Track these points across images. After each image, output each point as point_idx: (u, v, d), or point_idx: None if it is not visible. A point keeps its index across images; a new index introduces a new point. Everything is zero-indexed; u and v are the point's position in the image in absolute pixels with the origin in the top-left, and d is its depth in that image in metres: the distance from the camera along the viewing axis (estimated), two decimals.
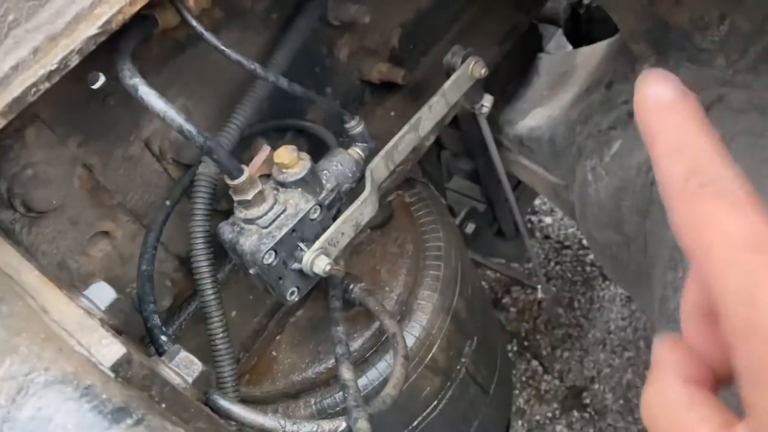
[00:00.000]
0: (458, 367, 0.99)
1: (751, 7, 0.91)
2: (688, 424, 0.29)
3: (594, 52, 1.33)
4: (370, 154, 0.82)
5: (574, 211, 1.37)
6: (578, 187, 1.24)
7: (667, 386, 0.31)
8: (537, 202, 2.38)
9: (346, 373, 0.69)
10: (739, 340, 0.27)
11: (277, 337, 0.93)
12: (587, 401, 1.94)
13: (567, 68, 1.37)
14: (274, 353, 0.91)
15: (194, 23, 0.67)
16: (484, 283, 2.26)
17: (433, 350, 0.93)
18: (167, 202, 0.79)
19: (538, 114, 1.35)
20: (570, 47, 1.53)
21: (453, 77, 0.84)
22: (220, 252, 0.83)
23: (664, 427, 0.30)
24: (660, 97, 0.29)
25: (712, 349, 0.31)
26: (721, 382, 0.31)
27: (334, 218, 0.76)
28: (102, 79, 0.73)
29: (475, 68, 0.86)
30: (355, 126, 0.82)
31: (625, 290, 1.92)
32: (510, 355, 2.08)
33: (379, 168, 0.79)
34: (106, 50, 0.65)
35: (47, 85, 0.57)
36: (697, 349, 0.32)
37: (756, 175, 0.88)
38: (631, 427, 1.83)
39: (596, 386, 1.94)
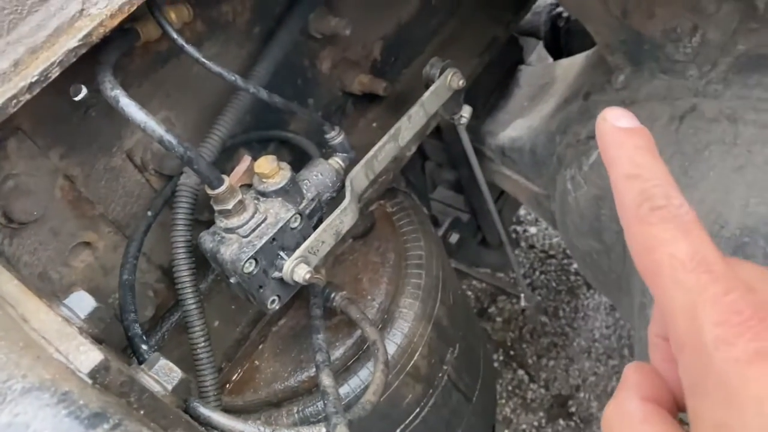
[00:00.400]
0: (440, 375, 1.00)
1: (722, 20, 0.93)
2: None
3: (573, 64, 1.35)
4: (351, 164, 0.83)
5: (555, 220, 1.39)
6: (558, 196, 1.26)
7: (626, 401, 0.33)
8: (522, 212, 2.40)
9: (326, 379, 0.70)
10: (681, 352, 0.29)
11: (260, 347, 0.93)
12: (573, 409, 1.95)
13: (547, 80, 1.39)
14: (256, 362, 0.92)
15: (175, 36, 0.68)
16: (470, 293, 2.27)
17: (415, 357, 0.94)
18: (149, 213, 0.79)
19: (519, 125, 1.37)
20: (550, 59, 1.56)
21: (431, 88, 0.86)
22: (203, 263, 0.83)
23: None
24: (618, 123, 0.33)
25: (674, 375, 0.33)
26: (681, 409, 0.33)
27: (315, 227, 0.77)
28: (84, 92, 0.73)
29: (452, 79, 0.87)
30: (336, 136, 0.84)
31: (607, 298, 1.94)
32: (496, 364, 2.09)
33: (359, 177, 0.80)
34: (88, 63, 0.66)
35: (28, 96, 0.58)
36: (661, 375, 0.35)
37: (727, 182, 0.90)
38: None
39: (582, 394, 1.96)
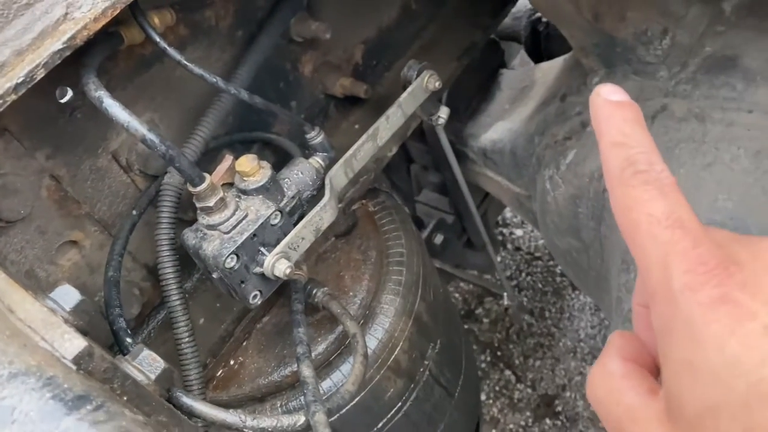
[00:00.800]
0: (422, 369, 1.02)
1: (690, 23, 0.97)
2: (621, 390, 0.34)
3: (551, 68, 1.39)
4: (331, 164, 0.85)
5: (536, 220, 1.42)
6: (538, 196, 1.29)
7: (608, 362, 0.36)
8: (508, 214, 2.43)
9: (305, 370, 0.72)
10: (653, 300, 0.32)
11: (244, 343, 0.95)
12: (559, 409, 1.98)
13: (527, 83, 1.42)
14: (240, 358, 0.94)
15: (157, 39, 0.71)
16: (457, 295, 2.30)
17: (396, 352, 0.96)
18: (134, 212, 0.81)
19: (500, 127, 1.40)
20: (532, 64, 1.59)
21: (408, 89, 0.89)
22: (188, 263, 0.86)
23: (602, 394, 0.35)
24: (610, 97, 0.36)
25: (654, 341, 0.35)
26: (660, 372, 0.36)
27: (296, 224, 0.80)
28: (70, 94, 0.76)
29: (429, 81, 0.90)
30: (316, 136, 0.86)
31: (589, 296, 1.96)
32: (483, 365, 2.11)
33: (339, 175, 0.83)
34: (74, 66, 0.69)
35: (14, 97, 0.60)
36: (642, 341, 0.37)
37: (697, 179, 0.93)
38: None
39: (568, 394, 1.98)
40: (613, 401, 0.34)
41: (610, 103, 0.35)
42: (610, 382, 0.34)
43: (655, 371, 0.35)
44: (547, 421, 1.95)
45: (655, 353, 0.35)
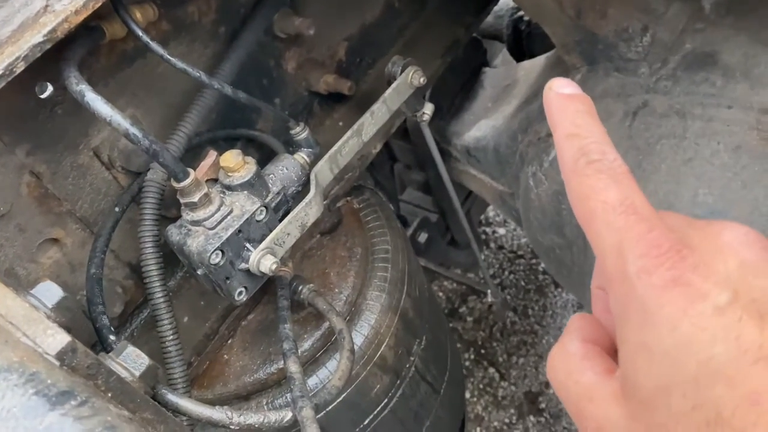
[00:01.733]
0: (408, 366, 1.02)
1: (670, 20, 0.98)
2: (579, 370, 0.34)
3: (534, 66, 1.40)
4: (316, 159, 0.85)
5: (520, 218, 1.42)
6: (522, 193, 1.30)
7: (568, 343, 0.36)
8: (491, 213, 2.44)
9: (292, 366, 0.72)
10: (610, 286, 0.32)
11: (229, 341, 0.95)
12: (543, 406, 1.99)
13: (509, 81, 1.43)
14: (225, 356, 0.93)
15: (140, 33, 0.70)
16: (441, 293, 2.30)
17: (382, 348, 0.96)
18: (116, 209, 0.80)
19: (483, 125, 1.41)
20: (514, 62, 1.60)
21: (393, 85, 0.89)
22: (171, 261, 0.85)
23: (561, 375, 0.36)
24: (562, 90, 0.36)
25: (613, 323, 0.36)
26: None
27: (281, 220, 0.79)
28: (50, 89, 0.75)
29: (414, 77, 0.90)
30: (300, 132, 0.86)
31: (571, 293, 1.98)
32: (467, 363, 2.12)
33: (324, 171, 0.82)
34: (54, 60, 0.68)
35: None
36: (601, 323, 0.38)
37: (678, 173, 0.94)
38: None
39: (551, 391, 1.99)
40: (571, 381, 0.34)
41: (562, 96, 0.36)
42: (569, 362, 0.35)
43: (613, 352, 0.36)
44: (531, 418, 1.96)
45: (613, 335, 0.36)
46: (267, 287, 0.89)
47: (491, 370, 2.09)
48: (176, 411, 0.65)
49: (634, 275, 0.30)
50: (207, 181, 0.76)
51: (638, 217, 0.31)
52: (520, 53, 1.56)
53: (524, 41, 1.53)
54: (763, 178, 0.87)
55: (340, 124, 1.10)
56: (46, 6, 0.61)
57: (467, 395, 2.05)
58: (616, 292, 0.31)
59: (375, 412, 0.98)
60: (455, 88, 1.47)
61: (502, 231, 2.41)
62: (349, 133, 0.84)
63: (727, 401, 0.26)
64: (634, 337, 0.30)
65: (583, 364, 0.34)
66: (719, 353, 0.27)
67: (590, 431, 0.32)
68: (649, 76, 1.01)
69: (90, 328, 0.77)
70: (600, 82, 1.07)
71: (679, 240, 0.30)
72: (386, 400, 0.99)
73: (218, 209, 0.73)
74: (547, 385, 2.00)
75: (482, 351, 2.14)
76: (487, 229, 2.40)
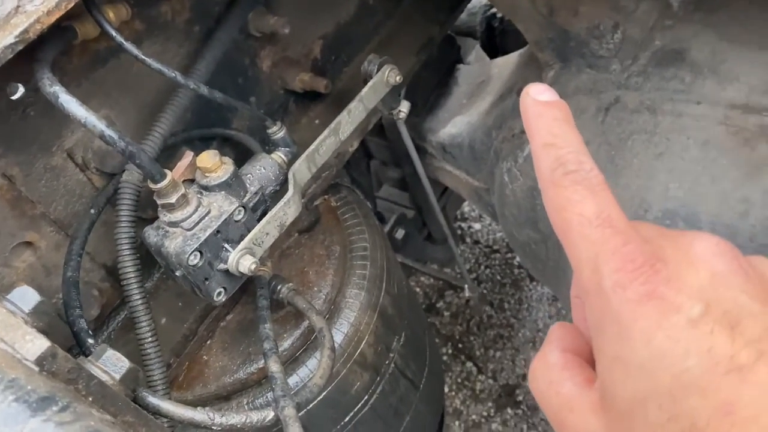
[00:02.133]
0: (387, 362, 1.03)
1: (640, 18, 1.00)
2: (559, 381, 0.35)
3: (507, 62, 1.41)
4: (293, 158, 0.85)
5: (495, 213, 1.44)
6: (497, 189, 1.31)
7: (548, 353, 0.37)
8: (466, 209, 2.46)
9: (273, 365, 0.72)
10: (586, 298, 0.33)
11: (208, 342, 0.94)
12: (520, 398, 2.01)
13: (483, 78, 1.44)
14: (205, 357, 0.93)
15: (113, 33, 0.69)
16: (418, 289, 2.31)
17: (362, 346, 0.96)
18: (92, 211, 0.80)
19: (458, 121, 1.42)
20: (487, 59, 1.62)
21: (370, 83, 0.89)
22: (148, 262, 0.84)
23: (543, 386, 0.36)
24: (539, 97, 0.36)
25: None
26: None
27: (259, 220, 0.79)
28: (21, 90, 0.73)
29: (390, 75, 0.91)
30: (277, 131, 0.86)
31: (547, 287, 2.00)
32: (445, 357, 2.13)
33: (302, 170, 0.82)
34: (26, 62, 0.67)
35: None
36: (581, 331, 0.38)
37: (649, 168, 0.96)
38: None
39: (528, 383, 2.02)
40: (552, 392, 0.35)
41: (539, 103, 0.36)
42: (549, 373, 0.35)
43: (592, 360, 0.36)
44: (509, 410, 1.98)
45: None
46: (246, 287, 0.88)
47: (469, 364, 2.11)
48: (157, 413, 0.65)
49: (610, 289, 0.30)
50: (184, 181, 0.76)
51: (613, 230, 0.31)
52: (494, 50, 1.57)
53: (497, 38, 1.54)
54: (731, 172, 0.89)
55: (317, 122, 1.10)
56: (18, 6, 0.60)
57: (446, 390, 2.07)
58: (592, 305, 0.32)
59: (355, 409, 0.98)
60: (430, 86, 1.48)
61: (477, 226, 2.43)
62: (326, 131, 0.84)
63: (701, 412, 0.27)
64: (610, 349, 0.30)
65: (563, 375, 0.35)
66: (693, 365, 0.27)
67: None
68: (620, 72, 1.03)
69: (67, 331, 0.76)
70: (573, 78, 1.08)
71: (652, 253, 0.31)
72: (366, 397, 1.00)
73: (196, 210, 0.73)
74: (524, 377, 2.02)
75: (460, 345, 2.15)
76: (463, 225, 2.42)
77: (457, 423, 2.02)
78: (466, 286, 1.66)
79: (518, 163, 1.20)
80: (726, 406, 0.26)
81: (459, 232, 2.40)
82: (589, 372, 0.35)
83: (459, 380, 2.09)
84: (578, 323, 0.39)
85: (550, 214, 0.34)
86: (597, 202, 0.32)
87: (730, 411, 0.26)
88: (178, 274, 0.76)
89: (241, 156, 0.97)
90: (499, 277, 2.27)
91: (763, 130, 0.88)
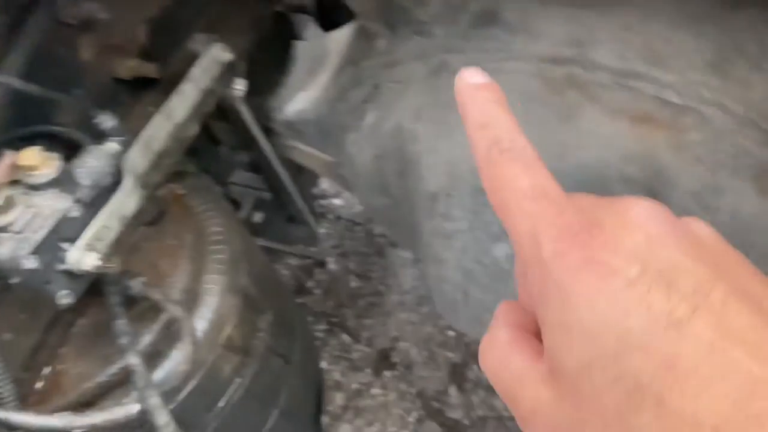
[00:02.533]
0: (256, 342, 1.03)
1: None
2: (508, 356, 0.35)
3: (343, 35, 1.43)
4: (127, 148, 0.82)
5: (348, 185, 1.47)
6: (346, 160, 1.34)
7: (496, 330, 0.37)
8: (326, 186, 2.49)
9: (132, 359, 0.70)
10: (528, 271, 0.33)
11: (61, 350, 0.89)
12: (395, 359, 2.09)
13: (321, 52, 1.46)
14: (60, 367, 0.88)
15: None
16: (287, 271, 2.32)
17: (227, 329, 0.96)
18: None
19: (301, 98, 1.43)
20: (323, 33, 1.63)
21: (198, 62, 0.88)
22: None
23: (492, 363, 0.36)
24: (471, 80, 0.37)
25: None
26: None
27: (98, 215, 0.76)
28: None
29: (218, 53, 0.90)
30: (106, 121, 0.82)
31: (407, 249, 2.09)
32: (321, 334, 2.16)
33: (136, 159, 0.80)
34: None
35: None
36: (526, 309, 0.38)
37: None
38: (435, 373, 2.01)
39: (401, 344, 2.10)
40: (502, 368, 0.35)
41: (471, 86, 0.37)
42: (498, 350, 0.36)
43: (539, 335, 0.36)
44: (386, 373, 2.06)
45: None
46: (96, 288, 0.85)
47: (344, 336, 2.16)
48: (10, 428, 0.61)
49: (549, 259, 0.31)
50: (8, 184, 0.71)
51: (549, 201, 0.32)
52: (328, 24, 1.59)
53: (329, 12, 1.56)
54: (548, 119, 0.98)
55: (150, 109, 1.06)
56: None
57: (324, 365, 2.10)
58: (533, 277, 0.32)
59: (229, 393, 0.98)
60: (268, 64, 1.47)
61: (338, 201, 2.47)
62: (158, 116, 0.82)
63: (645, 369, 0.27)
64: (554, 318, 0.31)
65: (512, 350, 0.35)
66: (633, 325, 0.28)
67: (525, 414, 0.33)
68: (444, 37, 1.09)
69: None
70: (401, 45, 1.13)
71: (589, 221, 0.31)
72: (239, 379, 1.00)
73: (24, 211, 0.69)
74: (396, 339, 2.10)
75: (334, 319, 2.19)
76: (324, 202, 2.45)
77: (338, 395, 2.06)
78: (327, 258, 1.69)
79: (362, 133, 1.23)
80: (667, 360, 0.27)
81: (320, 210, 2.43)
82: (537, 345, 0.35)
83: (336, 353, 2.13)
84: (523, 300, 0.39)
85: (489, 194, 0.35)
86: (531, 175, 0.33)
87: (671, 365, 0.27)
88: (15, 282, 0.71)
89: (73, 152, 0.92)
90: (364, 249, 2.33)
91: (569, 78, 0.97)
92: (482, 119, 0.36)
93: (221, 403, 0.97)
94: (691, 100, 0.96)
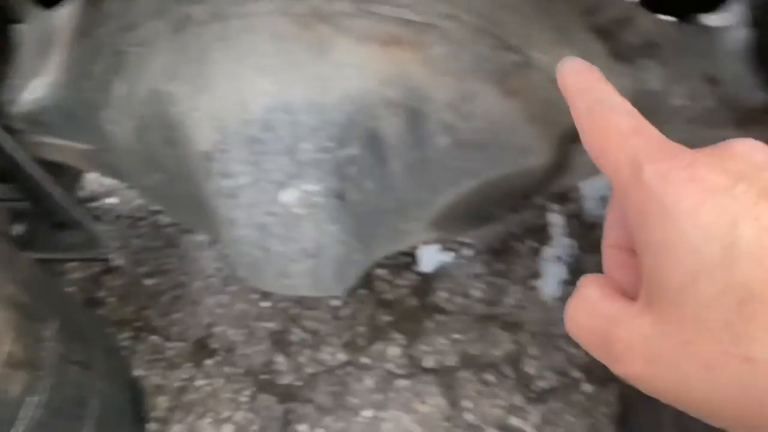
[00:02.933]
0: (44, 354, 0.92)
1: None
2: (600, 307, 0.34)
3: (69, 8, 1.30)
4: None
5: (116, 172, 1.36)
6: (106, 142, 1.23)
7: (584, 290, 0.36)
8: (94, 187, 2.29)
9: None
10: (626, 199, 0.33)
11: None
12: (215, 346, 2.02)
13: (48, 31, 1.31)
14: None
15: None
16: (72, 287, 2.10)
17: (5, 345, 0.84)
18: None
19: (35, 85, 1.27)
20: (45, 12, 1.46)
21: None
22: None
23: (581, 319, 0.35)
24: (576, 66, 0.38)
25: (627, 278, 0.37)
26: None
27: None
28: None
29: None
30: None
31: (195, 227, 2.01)
32: (126, 342, 2.01)
33: None
34: None
35: None
36: (615, 280, 0.37)
37: (236, 73, 1.01)
38: (258, 347, 1.98)
39: (216, 328, 2.03)
40: (593, 318, 0.34)
41: (577, 66, 0.38)
42: (588, 305, 0.35)
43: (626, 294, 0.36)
44: (207, 361, 1.98)
45: (628, 289, 0.36)
46: None
47: (152, 337, 2.03)
48: None
49: (651, 179, 0.31)
50: None
51: (651, 135, 0.33)
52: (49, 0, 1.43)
53: None
54: (303, 56, 0.98)
55: None
56: None
57: (141, 372, 1.97)
58: (632, 201, 0.32)
59: (23, 416, 0.87)
60: None
61: (113, 200, 2.28)
62: None
63: (757, 276, 0.27)
64: (656, 236, 0.30)
65: (603, 301, 0.34)
66: (742, 234, 0.27)
67: (620, 352, 0.32)
68: None
69: None
70: (136, 5, 1.06)
71: (689, 152, 0.32)
72: (34, 398, 0.89)
73: None
74: (211, 325, 2.03)
75: (137, 324, 2.05)
76: (96, 204, 2.25)
77: (162, 398, 1.94)
78: (110, 256, 1.56)
79: (114, 107, 1.14)
80: None
81: (94, 213, 2.23)
82: (628, 298, 0.34)
83: (148, 357, 1.99)
84: (612, 272, 0.38)
85: (591, 150, 0.35)
86: (631, 118, 0.34)
87: None
88: None
89: None
90: (153, 243, 2.19)
91: (314, 12, 0.98)
92: (582, 85, 0.38)
93: (22, 429, 0.86)
94: (429, 17, 1.02)
